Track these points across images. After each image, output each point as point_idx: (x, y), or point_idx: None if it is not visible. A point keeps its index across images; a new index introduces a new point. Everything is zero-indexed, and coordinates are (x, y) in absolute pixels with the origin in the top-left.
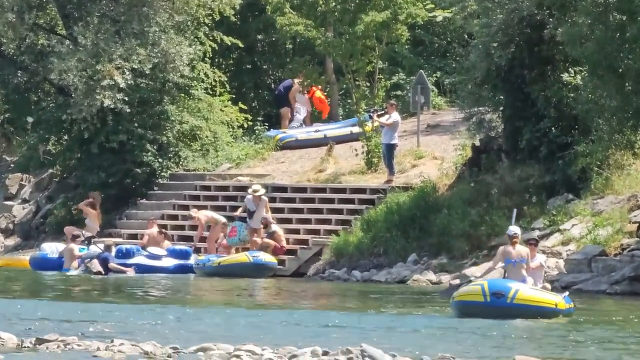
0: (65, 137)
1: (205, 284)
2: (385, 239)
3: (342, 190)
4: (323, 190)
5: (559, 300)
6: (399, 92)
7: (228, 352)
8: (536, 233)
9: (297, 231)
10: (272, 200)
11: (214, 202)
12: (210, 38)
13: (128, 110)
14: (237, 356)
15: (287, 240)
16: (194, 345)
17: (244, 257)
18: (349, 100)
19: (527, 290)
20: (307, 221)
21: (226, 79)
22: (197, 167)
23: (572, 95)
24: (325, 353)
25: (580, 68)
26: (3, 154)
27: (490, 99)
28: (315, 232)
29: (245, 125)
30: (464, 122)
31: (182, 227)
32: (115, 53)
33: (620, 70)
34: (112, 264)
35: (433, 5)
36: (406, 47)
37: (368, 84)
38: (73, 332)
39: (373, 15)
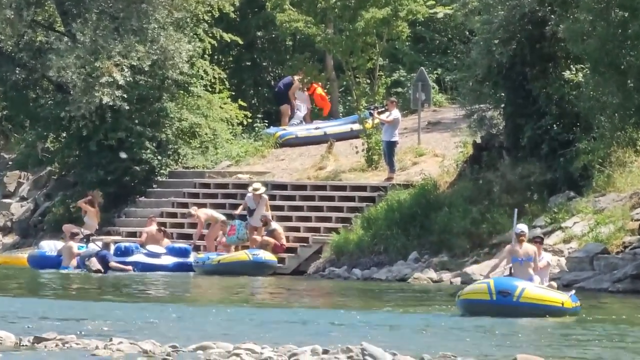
0: (64, 135)
1: (205, 282)
2: (385, 236)
3: (343, 188)
4: (323, 187)
5: (566, 299)
6: (399, 89)
7: (227, 351)
8: (538, 231)
9: (297, 229)
10: (272, 197)
11: (214, 199)
12: (210, 35)
13: (127, 107)
14: (237, 355)
15: (287, 238)
16: (193, 343)
17: (243, 255)
18: (349, 98)
19: (534, 289)
20: (307, 219)
21: (226, 76)
22: (196, 164)
23: (574, 92)
24: (325, 351)
25: (582, 65)
26: (1, 152)
27: (491, 96)
28: (316, 230)
29: (245, 123)
30: (465, 120)
31: (181, 225)
32: (114, 50)
33: (622, 67)
34: (113, 263)
35: (434, 2)
36: (407, 44)
37: (368, 81)
38: (71, 330)
39: (373, 12)
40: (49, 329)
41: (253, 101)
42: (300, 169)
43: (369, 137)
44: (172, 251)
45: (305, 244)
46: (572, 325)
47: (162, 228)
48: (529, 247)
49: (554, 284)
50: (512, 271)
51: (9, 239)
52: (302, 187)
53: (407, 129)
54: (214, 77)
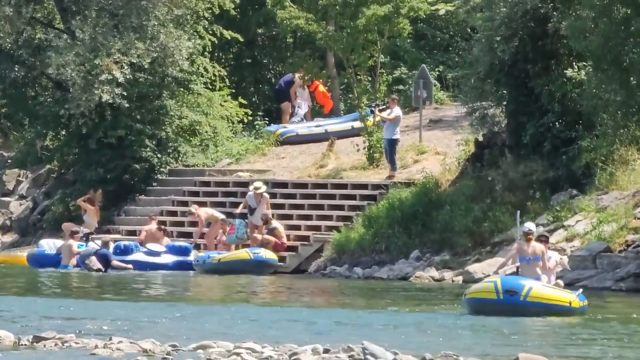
0: (63, 133)
1: (205, 281)
2: (387, 235)
3: (344, 186)
4: (324, 186)
5: (573, 299)
6: (401, 87)
7: (228, 350)
8: (540, 229)
9: (297, 227)
10: (273, 196)
11: (214, 198)
12: (210, 32)
13: (127, 105)
14: (237, 354)
15: (288, 236)
16: (193, 342)
17: (244, 253)
18: (350, 95)
19: (541, 288)
20: (308, 217)
21: (226, 73)
22: (196, 162)
23: (576, 90)
24: (326, 351)
25: (585, 63)
26: (0, 150)
27: (493, 93)
28: (316, 228)
29: (245, 120)
30: (466, 117)
31: (181, 224)
32: (114, 47)
33: (625, 64)
34: (115, 262)
35: None
36: (408, 41)
37: (370, 78)
38: (71, 329)
39: (375, 9)
40: (48, 328)
41: (253, 99)
42: (301, 167)
43: (370, 135)
44: (172, 250)
45: (306, 243)
46: (576, 324)
47: (162, 227)
48: (536, 246)
49: (561, 282)
50: (520, 270)
51: (8, 238)
52: (303, 185)
53: (409, 127)
54: (214, 75)
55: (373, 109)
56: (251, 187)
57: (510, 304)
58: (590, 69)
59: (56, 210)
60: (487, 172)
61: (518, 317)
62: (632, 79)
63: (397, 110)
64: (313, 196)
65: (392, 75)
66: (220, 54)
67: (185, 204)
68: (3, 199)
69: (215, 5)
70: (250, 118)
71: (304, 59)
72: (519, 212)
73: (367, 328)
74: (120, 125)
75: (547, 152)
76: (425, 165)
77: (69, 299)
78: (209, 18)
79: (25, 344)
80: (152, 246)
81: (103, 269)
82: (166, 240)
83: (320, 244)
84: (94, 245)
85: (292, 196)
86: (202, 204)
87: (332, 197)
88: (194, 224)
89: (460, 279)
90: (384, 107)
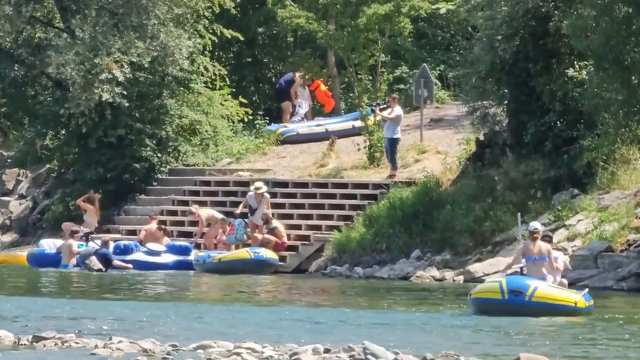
0: (63, 132)
1: (206, 281)
2: (387, 234)
3: (344, 186)
4: (325, 185)
5: (579, 299)
6: (401, 86)
7: (228, 350)
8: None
9: (298, 227)
10: (273, 195)
11: (214, 197)
12: (210, 31)
13: (127, 104)
14: (237, 354)
15: (288, 236)
16: (193, 342)
17: (245, 253)
18: (351, 94)
19: (546, 288)
20: (308, 217)
21: (226, 72)
22: (196, 162)
23: (578, 90)
24: (326, 350)
25: (586, 62)
26: (0, 149)
27: (494, 92)
28: (317, 227)
29: (246, 120)
30: (467, 116)
31: (181, 223)
32: (114, 46)
33: (626, 63)
34: (116, 261)
35: None
36: (409, 40)
37: (370, 77)
38: (71, 329)
39: (375, 8)
40: (47, 327)
41: (254, 98)
42: (302, 167)
43: (371, 134)
44: (172, 249)
45: (306, 242)
46: (578, 324)
47: (163, 226)
48: (542, 246)
49: (565, 281)
50: (526, 270)
51: (8, 237)
52: (304, 185)
53: (410, 126)
54: (215, 74)
55: (374, 108)
56: (252, 187)
57: (516, 304)
58: (592, 68)
59: (56, 209)
60: (488, 172)
61: (523, 317)
62: (633, 78)
63: (397, 110)
64: (313, 195)
65: (393, 74)
66: (221, 53)
67: (185, 203)
68: (3, 198)
69: (216, 4)
70: (251, 117)
71: (304, 58)
72: (519, 214)
73: (368, 328)
74: (120, 124)
75: (548, 151)
76: (426, 165)
77: (68, 299)
78: (209, 17)
79: (25, 344)
80: (152, 246)
81: (104, 269)
82: (166, 240)
83: (320, 243)
84: (95, 245)
85: (292, 195)
86: (202, 204)
87: (332, 196)
88: (194, 223)
89: (461, 278)
90: (385, 106)
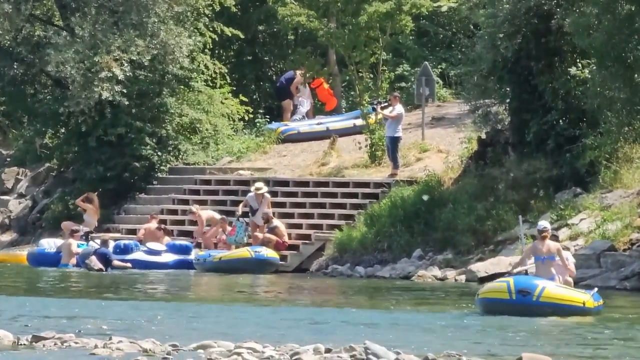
0: (63, 130)
1: (206, 280)
2: (389, 234)
3: (345, 184)
4: (326, 184)
5: (587, 299)
6: (403, 84)
7: (229, 350)
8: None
9: (299, 226)
10: (274, 194)
11: (215, 196)
12: (211, 29)
13: (126, 102)
14: (238, 354)
15: (289, 235)
16: (193, 342)
17: (245, 252)
18: (352, 93)
19: (554, 288)
20: (309, 216)
21: (227, 70)
22: (197, 160)
23: (580, 88)
24: (328, 350)
25: (589, 60)
26: None
27: (496, 91)
28: (318, 227)
29: (246, 118)
30: (469, 115)
31: (182, 222)
32: (114, 44)
33: (629, 61)
34: (116, 262)
35: None
36: (410, 38)
37: (371, 75)
38: (70, 329)
39: (376, 6)
40: (47, 327)
41: (254, 96)
42: (303, 165)
43: (372, 132)
44: (172, 248)
45: (307, 241)
46: (583, 324)
47: (163, 225)
48: (551, 245)
49: (570, 279)
50: (535, 269)
51: (7, 237)
52: (305, 184)
53: (411, 125)
54: (215, 72)
55: (375, 106)
56: (252, 188)
57: (523, 304)
58: (594, 66)
59: (55, 208)
60: (490, 171)
61: (531, 317)
62: (636, 76)
63: (399, 108)
64: (314, 194)
65: (394, 72)
66: (221, 51)
67: (185, 202)
68: (2, 197)
69: (216, 2)
70: (251, 116)
71: (305, 56)
72: (521, 217)
73: (369, 327)
74: (120, 123)
75: (550, 150)
76: (428, 164)
77: (68, 299)
78: (209, 15)
79: (24, 344)
80: (152, 245)
81: (104, 269)
82: (167, 239)
83: (321, 242)
84: (95, 244)
85: (293, 194)
86: (202, 203)
87: (333, 195)
88: (194, 223)
89: (463, 278)
90: (386, 104)
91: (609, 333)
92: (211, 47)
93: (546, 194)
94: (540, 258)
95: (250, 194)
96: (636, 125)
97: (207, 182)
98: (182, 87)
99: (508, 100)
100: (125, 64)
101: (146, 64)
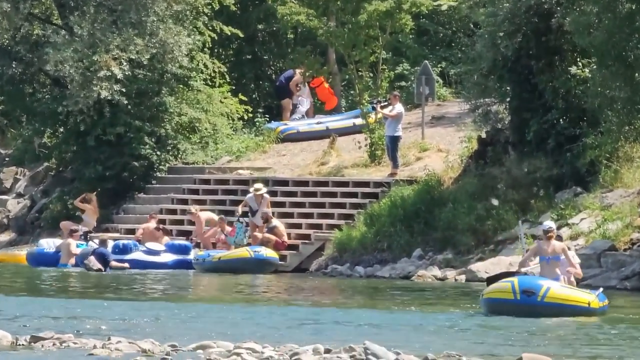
0: (61, 130)
1: (205, 280)
2: (389, 233)
3: (345, 184)
4: (325, 183)
5: (592, 299)
6: (403, 83)
7: (228, 350)
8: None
9: (298, 226)
10: (273, 194)
11: (214, 196)
12: (210, 28)
13: (125, 102)
14: (237, 354)
15: (289, 235)
16: (193, 342)
17: (245, 252)
18: (351, 92)
19: (559, 289)
20: (309, 215)
21: (226, 69)
22: (196, 160)
23: (581, 87)
24: (327, 351)
25: (589, 59)
26: None
27: (496, 89)
28: (318, 226)
29: (246, 117)
30: (469, 114)
31: (181, 222)
32: (112, 43)
33: (630, 60)
34: (114, 262)
35: None
36: (410, 36)
37: (371, 74)
38: (69, 329)
39: (376, 4)
40: (46, 327)
41: (254, 95)
42: (302, 165)
43: (372, 132)
44: (171, 248)
45: (307, 241)
46: (584, 324)
47: (161, 225)
48: (557, 245)
49: (573, 279)
50: (540, 269)
51: (6, 236)
52: (304, 183)
53: (411, 124)
54: (214, 71)
55: (375, 105)
56: (251, 189)
57: (528, 305)
58: (595, 65)
59: (54, 208)
60: (490, 170)
61: (535, 317)
62: (636, 75)
63: (399, 107)
64: (314, 194)
65: (394, 71)
66: (220, 50)
67: (185, 202)
68: (0, 197)
69: (215, 0)
70: (251, 115)
71: (304, 55)
72: (521, 221)
73: (369, 327)
74: (119, 122)
75: (551, 149)
76: (428, 163)
77: (67, 299)
78: (208, 14)
79: (23, 344)
80: (151, 245)
81: (103, 269)
82: (166, 239)
83: (321, 242)
84: (94, 244)
85: (292, 194)
86: (202, 202)
87: (333, 195)
88: (193, 222)
89: (463, 277)
90: (386, 103)
91: (612, 333)
92: (210, 46)
93: (546, 193)
94: (545, 258)
95: (249, 195)
96: (637, 124)
97: (207, 181)
98: (181, 86)
99: (508, 99)
100: (124, 63)
101: (145, 63)
